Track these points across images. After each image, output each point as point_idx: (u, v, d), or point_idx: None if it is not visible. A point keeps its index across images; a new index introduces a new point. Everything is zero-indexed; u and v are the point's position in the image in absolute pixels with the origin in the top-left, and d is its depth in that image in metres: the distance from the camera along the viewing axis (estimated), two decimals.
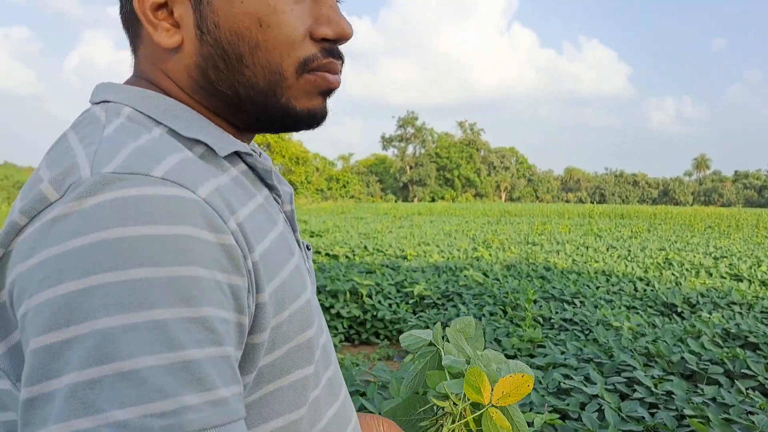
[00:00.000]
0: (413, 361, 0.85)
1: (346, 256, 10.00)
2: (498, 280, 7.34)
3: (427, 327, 5.64)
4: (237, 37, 0.59)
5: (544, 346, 4.45)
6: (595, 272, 8.11)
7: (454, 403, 0.76)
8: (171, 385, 0.44)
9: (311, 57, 0.61)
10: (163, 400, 0.44)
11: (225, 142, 0.62)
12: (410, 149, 69.08)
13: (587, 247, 11.75)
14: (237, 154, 0.63)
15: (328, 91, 0.65)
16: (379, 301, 6.46)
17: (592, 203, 39.04)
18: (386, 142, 68.02)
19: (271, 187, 0.68)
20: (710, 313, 5.60)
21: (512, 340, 4.52)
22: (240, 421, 0.48)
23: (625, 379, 3.43)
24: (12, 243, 0.50)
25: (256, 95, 0.62)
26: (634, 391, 3.27)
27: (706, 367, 3.63)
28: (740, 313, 5.68)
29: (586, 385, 3.29)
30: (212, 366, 0.47)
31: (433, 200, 59.26)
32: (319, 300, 6.14)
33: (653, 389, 3.23)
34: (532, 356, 4.23)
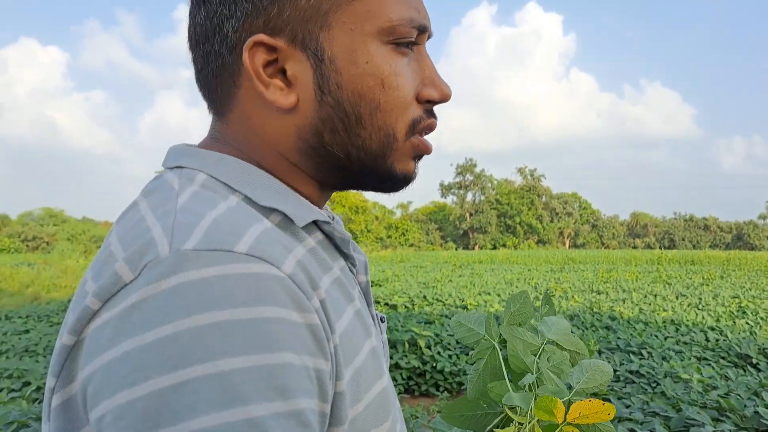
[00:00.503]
0: (473, 359, 0.76)
1: (405, 306, 10.01)
2: None
3: None
4: (360, 98, 0.57)
5: (609, 400, 4.32)
6: (664, 322, 7.82)
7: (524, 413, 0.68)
8: None
9: (418, 119, 0.61)
10: None
11: (303, 210, 0.58)
12: (469, 196, 68.98)
13: (655, 296, 11.35)
14: (314, 223, 0.60)
15: (421, 156, 0.64)
16: (438, 352, 6.43)
17: (661, 249, 37.66)
18: (445, 189, 68.13)
19: (347, 257, 0.64)
20: None
21: None
22: None
23: None
24: (85, 330, 0.46)
25: (366, 157, 0.60)
26: None
27: None
28: None
29: None
30: None
31: (494, 248, 58.53)
32: None
33: None
34: None
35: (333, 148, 0.59)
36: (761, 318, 8.31)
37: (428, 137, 0.64)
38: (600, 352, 5.85)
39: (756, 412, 3.61)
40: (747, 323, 7.81)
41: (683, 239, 74.92)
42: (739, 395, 4.05)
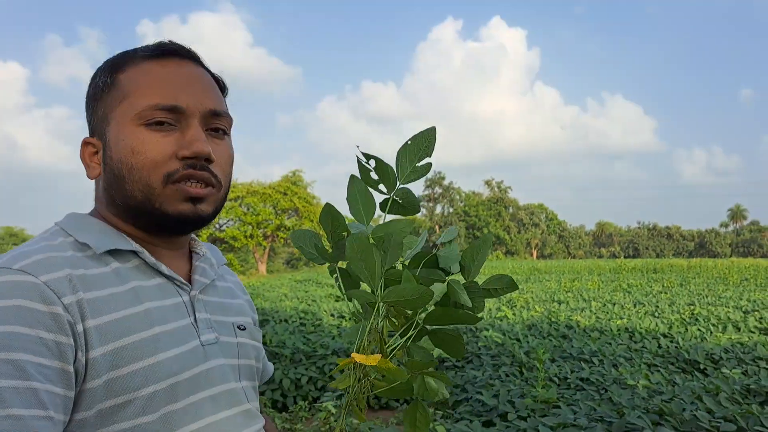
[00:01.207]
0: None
1: None
2: (518, 340, 7.32)
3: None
4: (120, 163, 0.83)
5: (559, 407, 4.43)
6: (618, 330, 8.02)
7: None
8: None
9: (173, 171, 0.82)
10: None
11: (106, 243, 0.82)
12: (438, 209, 69.50)
13: (614, 304, 11.60)
14: (117, 251, 0.84)
15: (195, 198, 0.84)
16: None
17: (626, 258, 38.37)
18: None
19: (167, 277, 0.87)
20: (732, 369, 5.50)
21: (526, 401, 4.52)
22: None
23: None
24: None
25: (136, 204, 0.83)
26: None
27: (719, 424, 3.59)
28: (766, 368, 5.57)
29: None
30: (15, 393, 0.67)
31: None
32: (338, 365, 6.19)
33: None
34: (544, 416, 4.22)
35: (117, 199, 0.85)
36: (712, 324, 8.58)
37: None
38: (553, 361, 5.98)
39: (694, 416, 3.75)
40: (699, 330, 8.05)
41: (647, 248, 76.46)
42: (682, 400, 4.19)
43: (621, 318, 9.32)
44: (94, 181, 0.90)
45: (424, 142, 0.86)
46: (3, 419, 0.66)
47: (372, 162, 0.85)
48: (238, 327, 0.94)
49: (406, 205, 0.87)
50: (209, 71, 0.92)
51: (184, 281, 0.89)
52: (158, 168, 0.82)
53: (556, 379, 5.31)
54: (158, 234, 0.88)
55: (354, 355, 0.76)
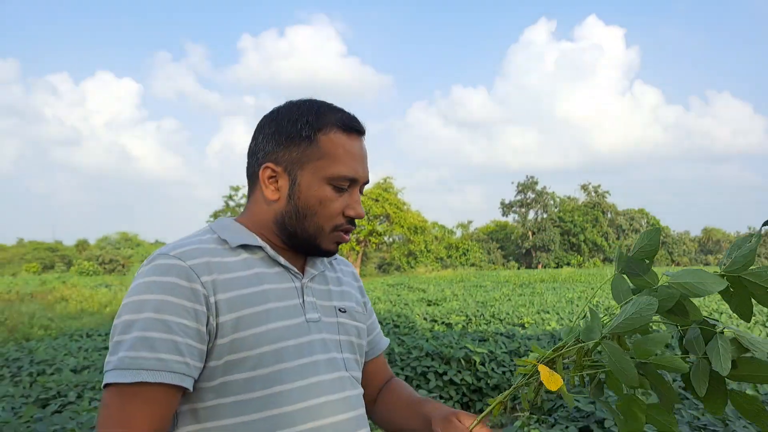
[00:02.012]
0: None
1: (462, 325, 10.10)
2: None
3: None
4: (306, 207, 1.09)
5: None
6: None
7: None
8: (138, 344, 0.94)
9: (340, 224, 1.12)
10: (132, 350, 0.93)
11: (238, 240, 1.09)
12: (531, 214, 67.99)
13: (721, 313, 11.02)
14: (247, 246, 1.10)
15: (340, 243, 1.14)
16: (493, 369, 6.53)
17: None
18: (506, 208, 67.41)
19: (284, 267, 1.12)
20: None
21: None
22: (167, 373, 0.94)
23: None
24: None
25: (306, 235, 1.11)
26: None
27: None
28: None
29: None
30: (162, 342, 0.94)
31: (558, 266, 57.33)
32: (432, 366, 6.33)
33: None
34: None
35: (289, 227, 1.11)
36: None
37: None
38: None
39: None
40: None
41: (759, 255, 71.32)
42: None
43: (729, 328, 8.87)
44: (257, 196, 1.15)
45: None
46: (153, 360, 0.93)
47: None
48: (339, 310, 1.18)
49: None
50: None
51: (297, 271, 1.14)
52: (332, 220, 1.10)
53: None
54: (296, 249, 1.16)
55: (540, 367, 0.91)
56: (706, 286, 0.87)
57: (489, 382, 6.31)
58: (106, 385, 0.95)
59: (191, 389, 0.98)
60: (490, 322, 10.28)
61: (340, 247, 1.17)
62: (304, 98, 1.16)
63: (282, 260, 1.12)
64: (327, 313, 1.15)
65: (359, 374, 1.19)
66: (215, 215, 45.28)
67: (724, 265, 0.89)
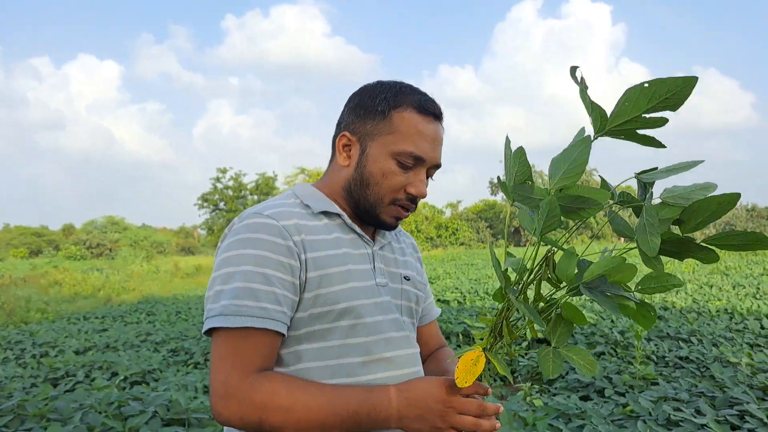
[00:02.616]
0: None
1: (457, 301, 10.24)
2: (613, 321, 7.31)
3: (538, 366, 5.75)
4: (371, 175, 1.16)
5: (657, 384, 4.47)
6: (717, 311, 7.83)
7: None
8: (242, 294, 1.03)
9: (399, 199, 1.16)
10: (237, 299, 1.02)
11: (320, 206, 1.17)
12: None
13: (711, 286, 11.23)
14: (327, 212, 1.18)
15: (399, 218, 1.19)
16: None
17: None
18: (495, 187, 67.62)
19: (358, 234, 1.20)
20: None
21: (624, 377, 4.58)
22: (270, 321, 1.03)
23: (737, 413, 3.43)
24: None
25: (366, 204, 1.18)
26: (745, 422, 3.29)
27: None
28: None
29: (695, 417, 3.35)
30: (264, 293, 1.04)
31: (545, 244, 57.61)
32: None
33: (766, 420, 3.23)
34: (642, 392, 4.28)
35: (352, 193, 1.19)
36: None
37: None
38: (649, 340, 5.97)
39: None
40: None
41: (746, 230, 72.06)
42: None
43: (719, 300, 9.06)
44: (334, 163, 1.24)
45: (668, 91, 0.76)
46: (257, 308, 1.03)
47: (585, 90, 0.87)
48: (404, 277, 1.27)
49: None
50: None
51: (369, 238, 1.22)
52: (392, 193, 1.16)
53: (653, 357, 5.32)
54: (361, 218, 1.23)
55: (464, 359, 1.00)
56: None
57: None
58: (213, 330, 1.05)
59: (286, 335, 1.08)
60: (485, 298, 10.42)
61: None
62: (393, 80, 1.22)
63: (357, 228, 1.20)
64: (393, 279, 1.23)
65: (414, 335, 1.27)
66: (203, 198, 44.90)
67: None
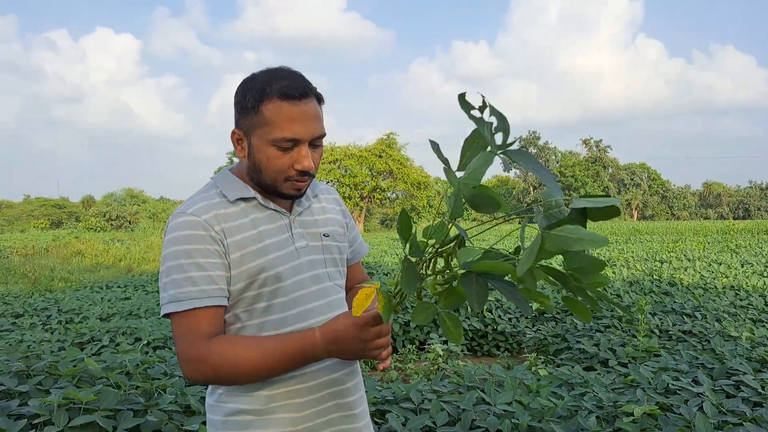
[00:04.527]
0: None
1: None
2: (620, 295, 7.45)
3: (545, 338, 5.94)
4: (260, 162, 1.32)
5: (659, 356, 4.62)
6: (723, 287, 7.94)
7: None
8: (183, 283, 1.25)
9: (291, 177, 1.32)
10: (180, 288, 1.25)
11: (236, 194, 1.35)
12: None
13: (720, 264, 11.30)
14: (243, 198, 1.35)
15: (298, 190, 1.35)
16: (499, 315, 6.84)
17: (735, 219, 36.22)
18: (509, 162, 67.17)
19: (273, 210, 1.38)
20: None
21: (627, 349, 4.74)
22: (208, 299, 1.25)
23: (733, 383, 3.58)
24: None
25: (266, 185, 1.35)
26: (740, 392, 3.43)
27: None
28: None
29: (693, 386, 3.50)
30: (200, 278, 1.25)
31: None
32: None
33: (760, 390, 3.38)
34: (644, 363, 4.43)
35: (253, 178, 1.36)
36: None
37: None
38: (654, 314, 6.11)
39: None
40: None
41: (759, 209, 71.46)
42: None
43: (726, 277, 9.15)
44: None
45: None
46: (197, 291, 1.26)
47: (478, 112, 1.00)
48: (324, 234, 1.46)
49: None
50: (316, 95, 1.34)
51: (285, 210, 1.41)
52: (281, 173, 1.33)
53: (657, 330, 5.46)
54: (273, 195, 1.40)
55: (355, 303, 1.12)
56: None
57: (496, 327, 6.63)
58: (168, 315, 1.28)
59: (228, 304, 1.31)
60: None
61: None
62: (264, 68, 1.36)
63: (271, 205, 1.39)
64: (313, 239, 1.43)
65: (343, 281, 1.50)
66: (220, 171, 45.14)
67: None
